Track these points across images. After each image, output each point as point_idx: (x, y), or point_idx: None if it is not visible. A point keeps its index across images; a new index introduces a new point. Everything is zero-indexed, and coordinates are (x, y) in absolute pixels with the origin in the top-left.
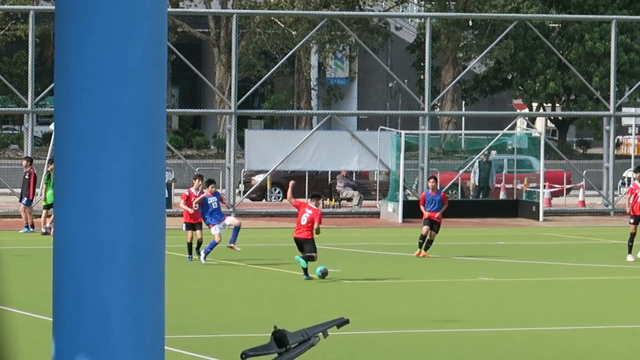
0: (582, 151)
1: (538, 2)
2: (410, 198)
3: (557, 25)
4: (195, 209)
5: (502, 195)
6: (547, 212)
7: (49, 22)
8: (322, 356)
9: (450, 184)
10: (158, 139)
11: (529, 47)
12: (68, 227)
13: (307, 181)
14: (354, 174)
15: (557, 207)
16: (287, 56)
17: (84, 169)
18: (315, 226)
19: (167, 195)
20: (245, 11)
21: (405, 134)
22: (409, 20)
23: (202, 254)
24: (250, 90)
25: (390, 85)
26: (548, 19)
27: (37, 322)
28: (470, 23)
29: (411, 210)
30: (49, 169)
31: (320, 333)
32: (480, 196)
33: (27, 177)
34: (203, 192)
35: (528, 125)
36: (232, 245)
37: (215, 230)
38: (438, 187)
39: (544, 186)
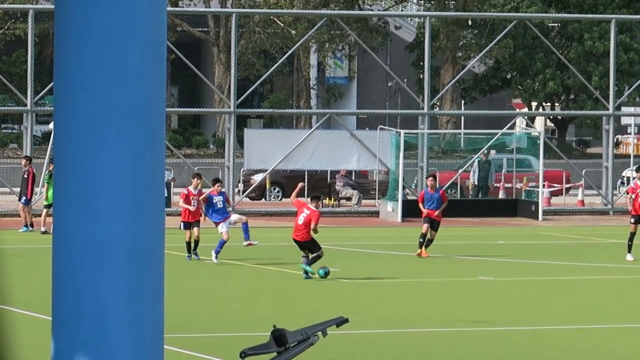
0: (581, 150)
1: (537, 2)
2: (409, 197)
3: (556, 24)
4: (195, 207)
5: (501, 195)
6: (546, 212)
7: (49, 21)
8: (321, 355)
9: (449, 183)
10: (157, 138)
11: (528, 46)
12: (67, 226)
13: (306, 180)
14: (353, 173)
15: (556, 206)
16: (286, 55)
17: (84, 168)
18: (312, 227)
19: (166, 195)
20: (244, 10)
21: (405, 133)
22: (409, 19)
23: (214, 255)
24: (250, 90)
25: (390, 84)
26: (547, 18)
27: (36, 321)
28: (470, 22)
29: (410, 210)
30: (50, 169)
31: (320, 332)
32: (480, 195)
33: (25, 176)
34: (202, 191)
35: (527, 125)
36: (249, 242)
37: (222, 228)
38: (437, 186)
39: (543, 185)
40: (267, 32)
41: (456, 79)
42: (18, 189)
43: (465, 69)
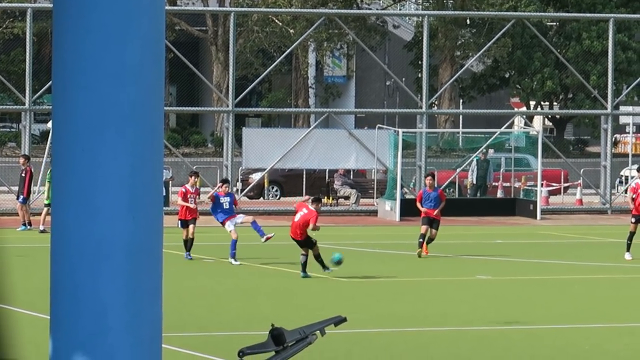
0: (579, 150)
1: (535, 1)
2: (407, 196)
3: (554, 23)
4: (194, 205)
5: (499, 194)
6: (544, 211)
7: (47, 20)
8: (320, 354)
9: (447, 182)
10: (156, 137)
11: (526, 45)
12: (66, 225)
13: (304, 179)
14: (351, 172)
15: (554, 205)
16: (284, 54)
17: (82, 166)
18: (310, 227)
19: (164, 194)
20: (242, 9)
21: (403, 132)
22: (407, 18)
23: (231, 259)
24: (248, 89)
25: (388, 83)
26: (545, 17)
27: (34, 320)
28: (468, 21)
29: (408, 209)
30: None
31: (318, 331)
32: (478, 194)
33: (23, 175)
34: (198, 190)
35: (525, 124)
36: (266, 237)
37: (229, 227)
38: (435, 185)
39: (542, 184)
40: (265, 31)
41: (454, 78)
42: (16, 188)
43: (464, 68)
